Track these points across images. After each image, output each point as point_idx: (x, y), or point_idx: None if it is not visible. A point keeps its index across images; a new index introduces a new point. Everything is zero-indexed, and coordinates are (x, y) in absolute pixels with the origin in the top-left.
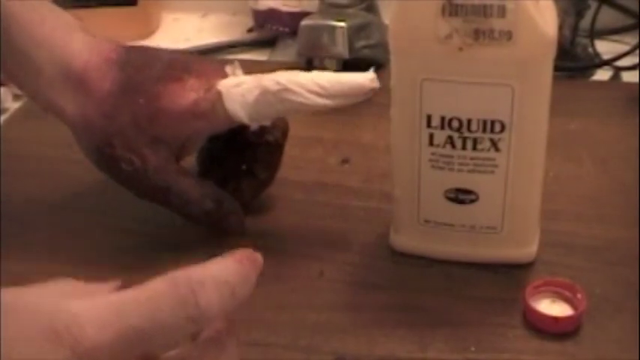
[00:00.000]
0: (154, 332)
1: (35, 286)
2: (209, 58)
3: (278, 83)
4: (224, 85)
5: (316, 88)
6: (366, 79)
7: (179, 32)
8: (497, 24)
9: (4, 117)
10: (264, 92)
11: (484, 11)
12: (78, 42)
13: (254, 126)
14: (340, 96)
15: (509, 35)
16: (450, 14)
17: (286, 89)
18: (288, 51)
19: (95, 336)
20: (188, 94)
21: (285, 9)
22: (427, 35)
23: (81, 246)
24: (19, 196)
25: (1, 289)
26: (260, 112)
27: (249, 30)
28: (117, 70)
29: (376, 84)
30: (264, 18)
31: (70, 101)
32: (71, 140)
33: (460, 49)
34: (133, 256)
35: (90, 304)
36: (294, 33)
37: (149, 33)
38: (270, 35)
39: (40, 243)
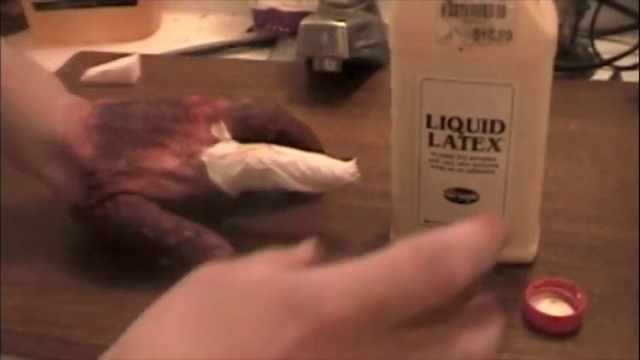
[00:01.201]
0: (397, 301)
1: (239, 264)
2: (187, 113)
3: (261, 162)
4: (208, 155)
5: (297, 174)
6: (346, 172)
7: (179, 32)
8: (497, 24)
9: None
10: (248, 169)
11: (484, 11)
12: (58, 107)
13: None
14: (318, 185)
15: (509, 35)
16: (450, 14)
17: (268, 170)
18: (288, 51)
19: (337, 307)
20: (170, 159)
21: (285, 9)
22: (427, 35)
23: (81, 246)
24: (19, 196)
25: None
26: (241, 185)
27: (249, 30)
28: (97, 135)
29: (355, 177)
30: (264, 18)
31: (52, 165)
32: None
33: (460, 49)
34: (134, 256)
35: (329, 275)
36: (294, 33)
37: (149, 33)
38: (270, 35)
39: (41, 243)
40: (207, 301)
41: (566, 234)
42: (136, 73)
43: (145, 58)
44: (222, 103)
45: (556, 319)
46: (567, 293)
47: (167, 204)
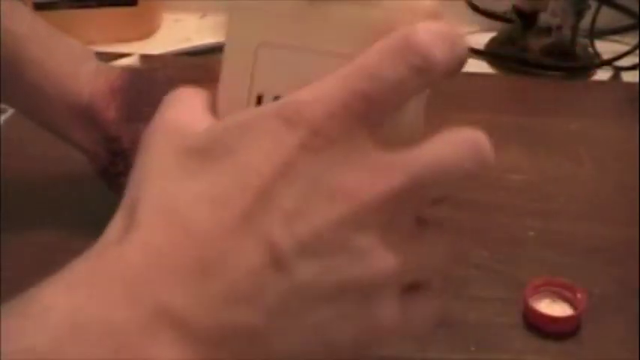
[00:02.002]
0: (379, 92)
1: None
2: (210, 75)
3: None
4: None
5: None
6: None
7: (179, 32)
8: None
9: (4, 117)
10: None
11: None
12: (84, 74)
13: None
14: None
15: None
16: None
17: None
18: None
19: (324, 109)
20: None
21: None
22: None
23: (82, 246)
24: (19, 196)
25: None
26: None
27: None
28: (120, 98)
29: None
30: None
31: (79, 130)
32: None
33: (309, 1)
34: None
35: (312, 88)
36: None
37: (149, 33)
38: None
39: (40, 243)
40: (191, 145)
41: (566, 234)
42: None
43: (145, 58)
44: None
45: (556, 319)
46: (567, 293)
47: None
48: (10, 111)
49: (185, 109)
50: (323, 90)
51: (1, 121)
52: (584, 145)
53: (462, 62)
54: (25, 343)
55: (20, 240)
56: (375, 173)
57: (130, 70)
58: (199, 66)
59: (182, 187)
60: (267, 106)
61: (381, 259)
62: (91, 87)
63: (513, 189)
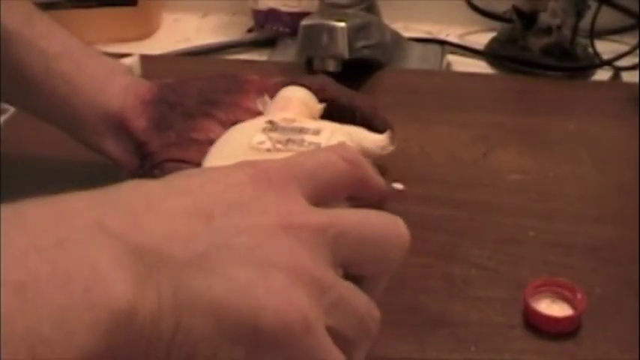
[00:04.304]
0: (316, 165)
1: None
2: (240, 86)
3: None
4: None
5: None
6: (376, 145)
7: (179, 32)
8: (310, 138)
9: (4, 117)
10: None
11: (300, 129)
12: (115, 86)
13: None
14: None
15: (318, 146)
16: (270, 130)
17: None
18: (288, 51)
19: (268, 163)
20: (217, 128)
21: (285, 9)
22: (242, 146)
23: None
24: (19, 196)
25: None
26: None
27: (249, 30)
28: (151, 109)
29: (387, 151)
30: (264, 18)
31: (110, 141)
32: (71, 140)
33: (268, 150)
34: None
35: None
36: (294, 33)
37: (149, 33)
38: (270, 35)
39: None
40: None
41: (566, 234)
42: (137, 73)
43: (145, 59)
44: (275, 79)
45: (556, 319)
46: (567, 293)
47: None
48: (10, 111)
49: None
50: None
51: (1, 121)
52: (584, 145)
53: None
54: None
55: None
56: (306, 210)
57: (160, 83)
58: (199, 66)
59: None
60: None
61: (299, 265)
62: (121, 100)
63: (513, 189)
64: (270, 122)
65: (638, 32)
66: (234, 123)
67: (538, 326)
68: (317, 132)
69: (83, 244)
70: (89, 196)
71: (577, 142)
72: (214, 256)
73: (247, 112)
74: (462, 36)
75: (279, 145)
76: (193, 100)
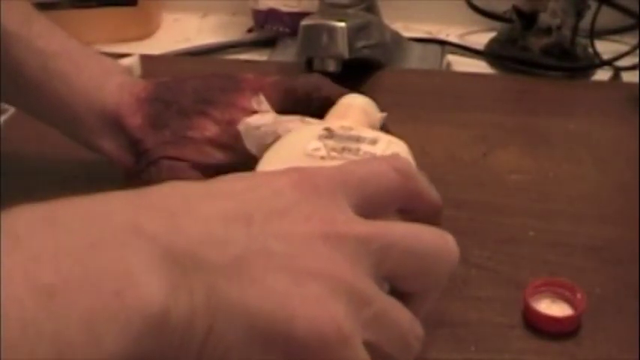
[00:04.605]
0: (365, 173)
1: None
2: (236, 85)
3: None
4: (245, 124)
5: None
6: None
7: (179, 32)
8: (365, 148)
9: (4, 117)
10: (278, 140)
11: (357, 138)
12: (111, 84)
13: None
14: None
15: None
16: (326, 138)
17: None
18: (288, 51)
19: (314, 169)
20: (212, 126)
21: (285, 9)
22: (297, 150)
23: None
24: (19, 196)
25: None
26: None
27: (249, 30)
28: (147, 107)
29: (386, 153)
30: (264, 18)
31: (107, 139)
32: (71, 140)
33: (322, 157)
34: None
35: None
36: (294, 33)
37: (149, 33)
38: (270, 35)
39: None
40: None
41: (566, 234)
42: (137, 73)
43: (145, 59)
44: (270, 78)
45: (556, 319)
46: (567, 293)
47: (211, 170)
48: (10, 111)
49: None
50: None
51: (1, 121)
52: (584, 145)
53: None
54: (6, 229)
55: None
56: (351, 219)
57: (156, 82)
58: (199, 66)
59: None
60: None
61: (335, 277)
62: (117, 98)
63: (513, 189)
64: (327, 129)
65: (638, 32)
66: (230, 122)
67: (538, 326)
68: (374, 142)
69: (116, 246)
70: (124, 196)
71: (577, 142)
72: (251, 262)
73: (243, 111)
74: (462, 36)
75: (333, 153)
76: (189, 98)
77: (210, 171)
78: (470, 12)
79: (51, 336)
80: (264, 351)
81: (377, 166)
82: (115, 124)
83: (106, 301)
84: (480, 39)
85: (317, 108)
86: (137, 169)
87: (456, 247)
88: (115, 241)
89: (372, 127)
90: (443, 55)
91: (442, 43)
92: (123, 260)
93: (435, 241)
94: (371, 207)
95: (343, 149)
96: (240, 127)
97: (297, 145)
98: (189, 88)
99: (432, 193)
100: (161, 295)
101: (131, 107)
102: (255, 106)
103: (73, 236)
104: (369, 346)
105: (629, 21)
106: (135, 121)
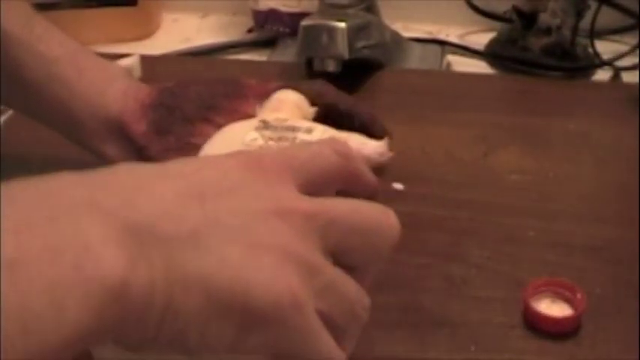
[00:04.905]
0: (307, 156)
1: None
2: (239, 91)
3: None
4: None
5: None
6: (375, 152)
7: (179, 32)
8: (302, 137)
9: (3, 117)
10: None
11: (293, 128)
12: (115, 90)
13: None
14: None
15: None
16: (262, 129)
17: None
18: (288, 51)
19: (260, 152)
20: (215, 133)
21: (285, 9)
22: (235, 143)
23: None
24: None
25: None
26: None
27: (249, 30)
28: (151, 113)
29: (385, 158)
30: (264, 18)
31: (110, 145)
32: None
33: (260, 147)
34: None
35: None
36: (294, 33)
37: (149, 33)
38: (270, 35)
39: None
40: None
41: (566, 234)
42: (137, 73)
43: (145, 59)
44: (274, 85)
45: (556, 319)
46: (567, 293)
47: None
48: (10, 111)
49: None
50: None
51: (1, 122)
52: (584, 145)
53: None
54: None
55: None
56: (297, 197)
57: (159, 87)
58: (199, 66)
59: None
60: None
61: (292, 250)
62: (121, 105)
63: (513, 189)
64: (263, 121)
65: (638, 32)
66: None
67: (538, 326)
68: (309, 130)
69: (74, 220)
70: (79, 175)
71: (577, 142)
72: (206, 235)
73: (246, 118)
74: (462, 36)
75: (271, 142)
76: (192, 104)
77: None
78: (470, 12)
79: (16, 309)
80: (222, 320)
81: (319, 149)
82: (118, 130)
83: (66, 273)
84: (480, 39)
85: (322, 114)
86: None
87: (397, 221)
88: (72, 215)
89: (306, 120)
90: (443, 55)
91: (442, 43)
92: (81, 233)
93: (377, 215)
94: (314, 187)
95: (280, 139)
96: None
97: (234, 136)
98: (192, 94)
99: (369, 174)
100: (120, 268)
101: (135, 114)
102: (258, 113)
103: (31, 212)
104: (320, 315)
105: (629, 21)
106: (139, 127)
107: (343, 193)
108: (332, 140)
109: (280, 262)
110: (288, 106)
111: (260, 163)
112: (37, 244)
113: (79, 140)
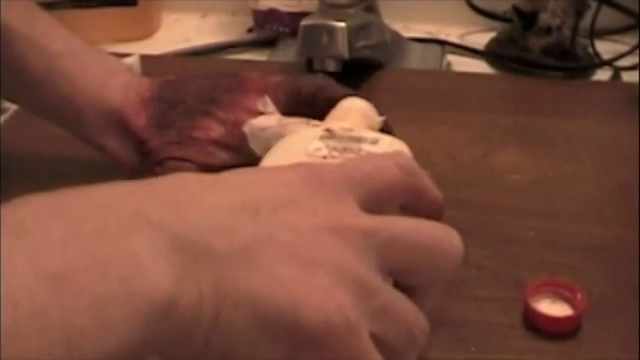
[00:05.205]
0: (372, 171)
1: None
2: (241, 85)
3: None
4: (250, 126)
5: None
6: None
7: (179, 32)
8: (367, 148)
9: (4, 117)
10: None
11: (358, 138)
12: (116, 84)
13: None
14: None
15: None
16: (327, 138)
17: None
18: (288, 51)
19: (320, 166)
20: (217, 127)
21: (285, 9)
22: (299, 151)
23: None
24: (19, 196)
25: None
26: None
27: (249, 30)
28: (152, 107)
29: None
30: (264, 18)
31: (111, 139)
32: (71, 140)
33: (324, 157)
34: None
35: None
36: (294, 33)
37: (149, 33)
38: (270, 35)
39: None
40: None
41: (566, 234)
42: (137, 73)
43: (145, 59)
44: (275, 78)
45: (556, 319)
46: (567, 293)
47: (216, 171)
48: (10, 111)
49: None
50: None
51: (1, 121)
52: (584, 145)
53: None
54: (13, 219)
55: None
56: (357, 214)
57: (160, 81)
58: (199, 66)
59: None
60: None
61: (343, 269)
62: (122, 98)
63: (513, 189)
64: (328, 130)
65: (638, 32)
66: (235, 123)
67: (538, 326)
68: (375, 142)
69: (123, 233)
70: (129, 186)
71: (577, 142)
72: (258, 251)
73: (247, 112)
74: (462, 36)
75: (335, 153)
76: (194, 98)
77: (216, 172)
78: (470, 12)
79: (60, 323)
80: (271, 339)
81: (381, 162)
82: (119, 124)
83: (113, 288)
84: (480, 39)
85: (321, 108)
86: (142, 169)
87: (461, 242)
88: (121, 228)
89: (372, 129)
90: (443, 55)
91: (442, 43)
92: (129, 247)
93: (439, 235)
94: (375, 202)
95: (344, 149)
96: (246, 128)
97: (298, 145)
98: (194, 88)
99: (434, 190)
100: (168, 282)
101: (136, 107)
102: (260, 107)
103: (79, 224)
104: (374, 337)
105: (629, 21)
106: (140, 121)
107: (407, 210)
108: (396, 154)
109: (333, 282)
110: (355, 115)
111: (319, 177)
112: (84, 257)
113: (80, 134)
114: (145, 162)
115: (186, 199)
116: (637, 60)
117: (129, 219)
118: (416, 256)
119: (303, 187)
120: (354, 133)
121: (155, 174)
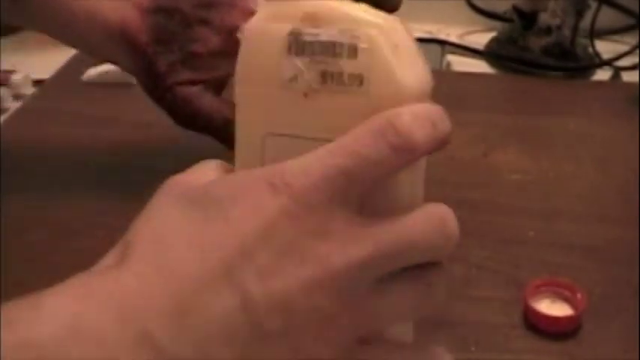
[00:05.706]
0: (359, 168)
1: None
2: None
3: None
4: (243, 31)
5: None
6: None
7: None
8: (347, 66)
9: (4, 117)
10: None
11: (333, 50)
12: (110, 1)
13: None
14: None
15: (359, 80)
16: (297, 53)
17: None
18: None
19: (303, 179)
20: (215, 37)
21: None
22: (271, 79)
23: (82, 246)
24: (19, 196)
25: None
26: None
27: None
28: (150, 18)
29: None
30: None
31: (122, 56)
32: (70, 140)
33: (305, 94)
34: None
35: (299, 160)
36: None
37: None
38: None
39: (41, 243)
40: (189, 195)
41: (566, 234)
42: None
43: None
44: None
45: (556, 319)
46: (567, 293)
47: (224, 83)
48: (10, 111)
49: (197, 172)
50: (308, 163)
51: (1, 121)
52: (584, 145)
53: (443, 142)
54: (26, 335)
55: (20, 240)
56: (346, 242)
57: None
58: None
59: (175, 229)
60: (258, 169)
61: (336, 318)
62: (120, 14)
63: (513, 189)
64: (294, 34)
65: (638, 32)
66: (231, 29)
67: (538, 326)
68: (353, 50)
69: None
70: (117, 310)
71: (577, 142)
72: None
73: (243, 13)
74: (462, 36)
75: (315, 86)
76: (189, 3)
77: (223, 85)
78: (470, 12)
79: None
80: None
81: (375, 154)
82: (124, 40)
83: None
84: (480, 39)
85: None
86: (156, 94)
87: (454, 226)
88: (128, 353)
89: None
90: (443, 55)
91: (442, 43)
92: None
93: (431, 236)
94: (373, 188)
95: (324, 76)
96: (239, 34)
97: (266, 65)
98: None
99: (437, 142)
100: None
101: (136, 21)
102: (254, 6)
103: (90, 353)
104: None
105: (629, 21)
106: (142, 37)
107: None
108: (387, 127)
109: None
110: None
111: (306, 202)
112: None
113: (89, 52)
114: (157, 86)
115: (181, 309)
116: (637, 60)
117: (135, 342)
118: (411, 261)
119: (289, 229)
120: (324, 37)
121: (167, 101)
